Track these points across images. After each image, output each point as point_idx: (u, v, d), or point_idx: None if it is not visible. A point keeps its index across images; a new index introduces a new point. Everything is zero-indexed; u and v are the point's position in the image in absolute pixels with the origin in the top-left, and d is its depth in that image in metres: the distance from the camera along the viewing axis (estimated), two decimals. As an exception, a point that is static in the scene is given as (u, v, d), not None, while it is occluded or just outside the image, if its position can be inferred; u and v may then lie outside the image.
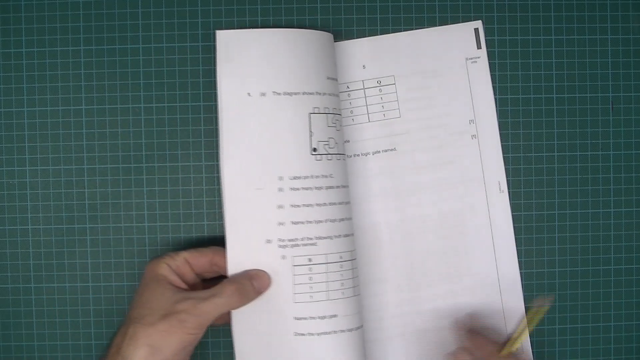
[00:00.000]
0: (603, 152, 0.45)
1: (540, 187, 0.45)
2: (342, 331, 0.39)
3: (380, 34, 0.44)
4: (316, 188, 0.40)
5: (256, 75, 0.40)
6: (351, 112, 0.44)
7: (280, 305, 0.39)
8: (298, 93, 0.40)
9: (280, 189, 0.39)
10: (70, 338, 0.44)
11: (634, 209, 0.45)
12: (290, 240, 0.39)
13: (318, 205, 0.39)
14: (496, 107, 0.44)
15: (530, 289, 0.45)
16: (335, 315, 0.39)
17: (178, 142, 0.44)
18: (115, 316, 0.44)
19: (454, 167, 0.44)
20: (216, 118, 0.40)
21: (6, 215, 0.44)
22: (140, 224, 0.44)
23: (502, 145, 0.44)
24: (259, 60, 0.40)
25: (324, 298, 0.39)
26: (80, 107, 0.44)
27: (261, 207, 0.39)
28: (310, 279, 0.39)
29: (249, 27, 0.44)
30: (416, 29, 0.44)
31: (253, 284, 0.38)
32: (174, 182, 0.44)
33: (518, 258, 0.44)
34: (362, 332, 0.40)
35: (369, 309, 0.44)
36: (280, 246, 0.39)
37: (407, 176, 0.44)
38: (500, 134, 0.44)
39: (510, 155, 0.44)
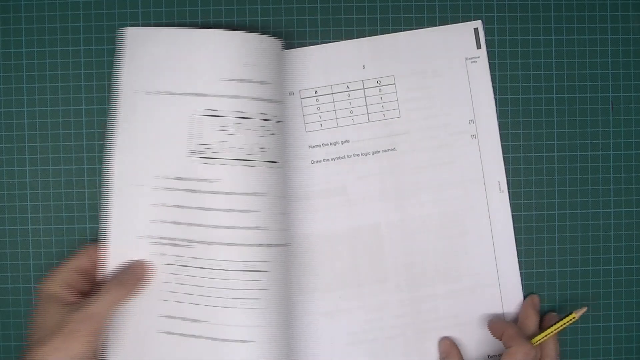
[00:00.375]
0: (603, 152, 0.45)
1: (540, 187, 0.45)
2: (205, 338, 0.39)
3: (380, 34, 0.44)
4: (191, 190, 0.39)
5: (146, 74, 0.40)
6: (351, 112, 0.44)
7: (146, 301, 0.39)
8: (182, 94, 0.39)
9: (155, 187, 0.39)
10: (70, 338, 0.44)
11: (634, 209, 0.45)
12: (161, 238, 0.39)
13: (191, 208, 0.39)
14: (496, 107, 0.44)
15: (531, 289, 0.45)
16: (199, 320, 0.39)
17: (178, 142, 0.44)
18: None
19: (454, 167, 0.44)
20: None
21: (6, 215, 0.44)
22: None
23: (502, 145, 0.44)
24: (153, 58, 0.40)
25: (189, 300, 0.39)
26: (80, 107, 0.44)
27: (136, 203, 0.40)
28: (176, 279, 0.39)
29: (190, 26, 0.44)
30: (416, 29, 0.44)
31: (132, 273, 0.39)
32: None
33: (518, 258, 0.44)
34: (231, 345, 0.38)
35: (369, 309, 0.44)
36: (151, 243, 0.39)
37: (407, 176, 0.44)
38: (500, 134, 0.44)
39: (510, 155, 0.44)
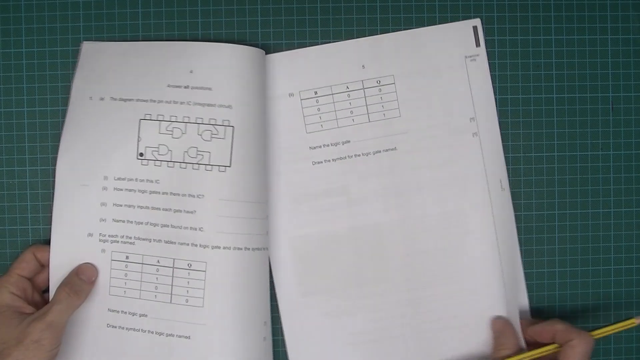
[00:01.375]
0: (603, 152, 0.45)
1: (540, 187, 0.45)
2: (150, 332, 0.41)
3: (380, 34, 0.44)
4: (140, 191, 0.41)
5: (100, 82, 0.42)
6: (351, 112, 0.44)
7: (96, 295, 0.42)
8: (132, 99, 0.41)
9: (105, 188, 0.42)
10: (70, 338, 0.44)
11: (634, 209, 0.45)
12: (110, 236, 0.42)
13: (140, 207, 0.41)
14: (496, 104, 0.44)
15: (531, 289, 0.45)
16: (145, 315, 0.41)
17: (178, 142, 0.44)
18: (115, 316, 0.44)
19: (455, 165, 0.44)
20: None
21: (6, 215, 0.44)
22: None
23: (502, 145, 0.44)
24: (107, 68, 0.42)
25: (136, 296, 0.41)
26: (80, 107, 0.44)
27: (85, 202, 0.42)
28: (125, 274, 0.42)
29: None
30: (415, 28, 0.44)
31: (81, 277, 0.40)
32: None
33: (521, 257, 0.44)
34: (173, 340, 0.41)
35: (369, 309, 0.44)
36: (100, 240, 0.42)
37: (408, 175, 0.44)
38: (501, 133, 0.44)
39: (510, 155, 0.44)
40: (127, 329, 0.41)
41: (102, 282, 0.42)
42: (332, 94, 0.44)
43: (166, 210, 0.41)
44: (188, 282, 0.41)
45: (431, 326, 0.43)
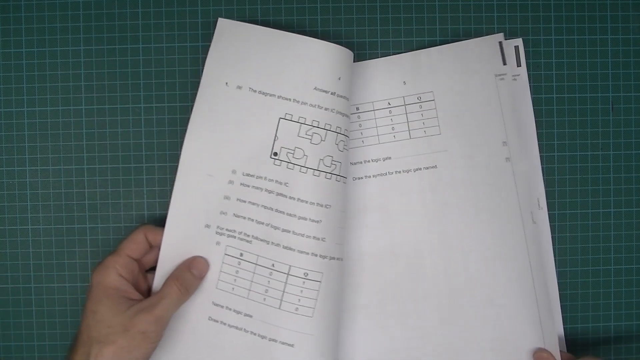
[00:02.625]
0: (603, 152, 0.45)
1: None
2: (252, 333, 0.40)
3: (417, 49, 0.43)
4: (267, 190, 0.40)
5: (238, 68, 0.40)
6: (392, 128, 0.43)
7: (203, 286, 0.40)
8: (273, 95, 0.40)
9: (231, 181, 0.40)
10: (70, 338, 0.44)
11: (634, 209, 0.45)
12: (228, 230, 0.40)
13: (264, 207, 0.40)
14: (536, 123, 0.44)
15: (530, 289, 0.45)
16: (250, 316, 0.40)
17: (178, 142, 0.44)
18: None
19: (490, 187, 0.43)
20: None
21: (6, 215, 0.44)
22: (140, 224, 0.44)
23: (541, 168, 0.44)
24: (246, 54, 0.40)
25: (244, 295, 0.40)
26: (80, 107, 0.44)
27: (208, 193, 0.40)
28: (236, 272, 0.40)
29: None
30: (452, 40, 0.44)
31: (193, 272, 0.40)
32: (174, 182, 0.44)
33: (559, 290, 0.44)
34: (275, 345, 0.39)
35: (406, 326, 0.43)
36: (217, 233, 0.40)
37: (447, 194, 0.43)
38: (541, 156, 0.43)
39: (510, 155, 0.44)
40: (229, 325, 0.40)
41: (212, 274, 0.40)
42: (374, 110, 0.43)
43: (290, 215, 0.39)
44: (302, 290, 0.39)
45: (467, 346, 0.43)
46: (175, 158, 0.44)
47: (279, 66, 0.40)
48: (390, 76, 0.43)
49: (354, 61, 0.42)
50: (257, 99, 0.40)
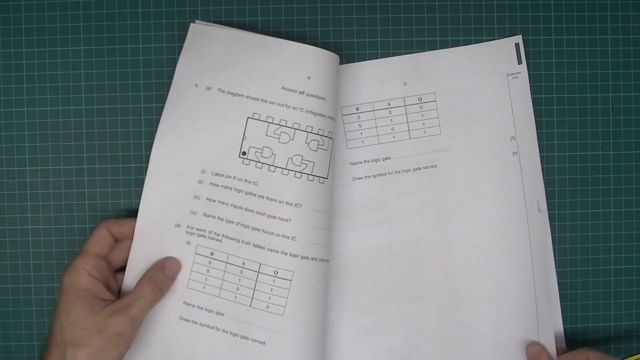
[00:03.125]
0: (603, 152, 0.45)
1: (540, 187, 0.45)
2: (224, 331, 0.40)
3: (428, 50, 0.44)
4: (236, 190, 0.40)
5: (208, 70, 0.41)
6: (392, 128, 0.43)
7: (174, 287, 0.41)
8: (242, 95, 0.40)
9: (200, 181, 0.41)
10: (70, 338, 0.44)
11: (634, 209, 0.45)
12: (198, 229, 0.41)
13: (233, 206, 0.40)
14: (536, 123, 0.44)
15: (530, 289, 0.45)
16: (222, 314, 0.40)
17: (178, 142, 0.44)
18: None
19: (494, 183, 0.43)
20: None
21: (6, 215, 0.44)
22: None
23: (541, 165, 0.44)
24: (216, 56, 0.41)
25: (215, 293, 0.40)
26: (80, 107, 0.44)
27: (177, 192, 0.41)
28: (207, 271, 0.41)
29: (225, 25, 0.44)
30: (452, 41, 0.44)
31: (166, 274, 0.40)
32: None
33: (558, 279, 0.44)
34: (247, 343, 0.40)
35: (407, 325, 0.43)
36: (187, 232, 0.41)
37: (447, 193, 0.43)
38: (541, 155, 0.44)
39: (510, 155, 0.44)
40: (200, 324, 0.40)
41: (182, 274, 0.41)
42: (374, 110, 0.43)
43: (260, 214, 0.40)
44: (272, 288, 0.40)
45: (468, 343, 0.43)
46: (175, 158, 0.44)
47: (248, 67, 0.40)
48: (390, 77, 0.43)
49: (355, 61, 0.43)
50: (225, 99, 0.40)
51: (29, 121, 0.44)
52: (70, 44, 0.43)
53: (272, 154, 0.40)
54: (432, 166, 0.43)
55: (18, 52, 0.43)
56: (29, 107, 0.44)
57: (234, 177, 0.40)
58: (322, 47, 0.40)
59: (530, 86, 0.44)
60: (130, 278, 0.40)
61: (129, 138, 0.44)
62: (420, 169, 0.43)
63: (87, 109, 0.44)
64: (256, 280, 0.40)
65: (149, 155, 0.43)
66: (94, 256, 0.39)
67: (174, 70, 0.42)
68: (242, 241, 0.40)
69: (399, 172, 0.44)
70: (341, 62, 0.42)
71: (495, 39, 0.44)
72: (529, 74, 0.44)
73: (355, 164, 0.44)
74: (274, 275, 0.40)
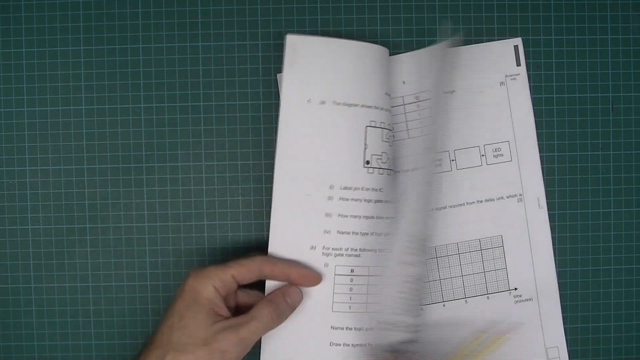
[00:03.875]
0: (603, 152, 0.45)
1: (540, 187, 0.45)
2: (370, 346, 0.39)
3: (417, 49, 0.44)
4: (365, 200, 0.40)
5: (318, 83, 0.40)
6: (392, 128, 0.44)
7: (318, 313, 0.39)
8: (357, 105, 0.40)
9: (330, 198, 0.39)
10: (70, 338, 0.44)
11: (634, 209, 0.45)
12: (334, 249, 0.39)
13: (365, 217, 0.40)
14: (535, 122, 0.44)
15: (530, 289, 0.45)
16: (371, 329, 0.39)
17: (178, 142, 0.44)
18: (115, 316, 0.44)
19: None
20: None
21: (6, 215, 0.44)
22: (140, 224, 0.44)
23: (541, 166, 0.44)
24: (322, 68, 0.40)
25: (362, 310, 0.39)
26: (80, 107, 0.44)
27: (308, 213, 0.39)
28: (350, 289, 0.39)
29: (314, 35, 0.43)
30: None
31: (287, 301, 0.38)
32: (174, 182, 0.44)
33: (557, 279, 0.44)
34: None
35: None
36: (324, 254, 0.39)
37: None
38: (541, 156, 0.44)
39: (510, 155, 0.44)
40: (352, 345, 0.39)
41: (325, 299, 0.39)
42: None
43: (390, 219, 0.40)
44: (413, 291, 0.40)
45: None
46: (176, 158, 0.44)
47: (355, 75, 0.40)
48: (390, 75, 0.43)
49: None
50: (342, 111, 0.40)
51: (29, 121, 0.44)
52: (70, 44, 0.43)
53: (387, 158, 0.40)
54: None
55: (18, 52, 0.43)
56: (29, 107, 0.44)
57: (362, 188, 0.40)
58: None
59: (530, 87, 0.44)
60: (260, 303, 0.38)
61: (129, 138, 0.44)
62: (418, 169, 0.44)
63: (87, 109, 0.44)
64: (403, 286, 0.39)
65: (149, 155, 0.43)
66: (230, 276, 0.37)
67: (177, 69, 0.41)
68: (379, 250, 0.39)
69: (398, 172, 0.44)
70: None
71: (495, 39, 0.44)
72: (529, 75, 0.44)
73: None
74: (411, 280, 0.40)
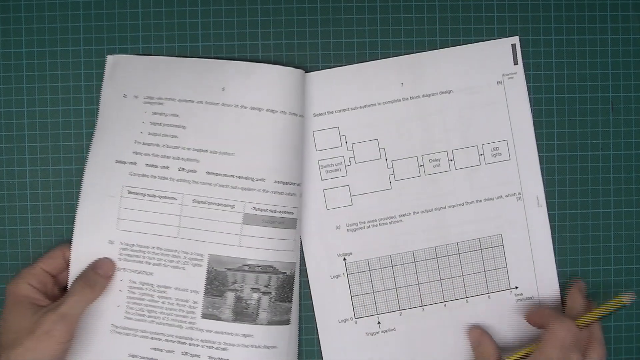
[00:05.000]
0: (603, 152, 0.45)
1: (540, 187, 0.45)
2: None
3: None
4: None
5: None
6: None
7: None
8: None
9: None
10: (70, 338, 0.44)
11: (634, 209, 0.45)
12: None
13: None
14: (533, 121, 0.44)
15: (530, 289, 0.44)
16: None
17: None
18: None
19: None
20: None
21: (6, 215, 0.44)
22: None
23: (539, 164, 0.44)
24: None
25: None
26: (80, 107, 0.44)
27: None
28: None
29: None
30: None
31: (98, 272, 0.40)
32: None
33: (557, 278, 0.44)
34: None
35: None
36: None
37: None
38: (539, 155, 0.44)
39: (510, 155, 0.44)
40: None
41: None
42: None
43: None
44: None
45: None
46: (175, 158, 0.44)
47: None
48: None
49: (355, 61, 0.43)
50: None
51: (29, 121, 0.44)
52: (70, 44, 0.43)
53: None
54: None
55: (18, 52, 0.43)
56: (29, 107, 0.44)
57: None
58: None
59: (528, 86, 0.44)
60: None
61: (129, 138, 0.44)
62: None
63: (87, 109, 0.44)
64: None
65: (149, 155, 0.43)
66: (39, 269, 0.40)
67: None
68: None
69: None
70: (342, 63, 0.42)
71: (494, 39, 0.44)
72: (529, 74, 0.44)
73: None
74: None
